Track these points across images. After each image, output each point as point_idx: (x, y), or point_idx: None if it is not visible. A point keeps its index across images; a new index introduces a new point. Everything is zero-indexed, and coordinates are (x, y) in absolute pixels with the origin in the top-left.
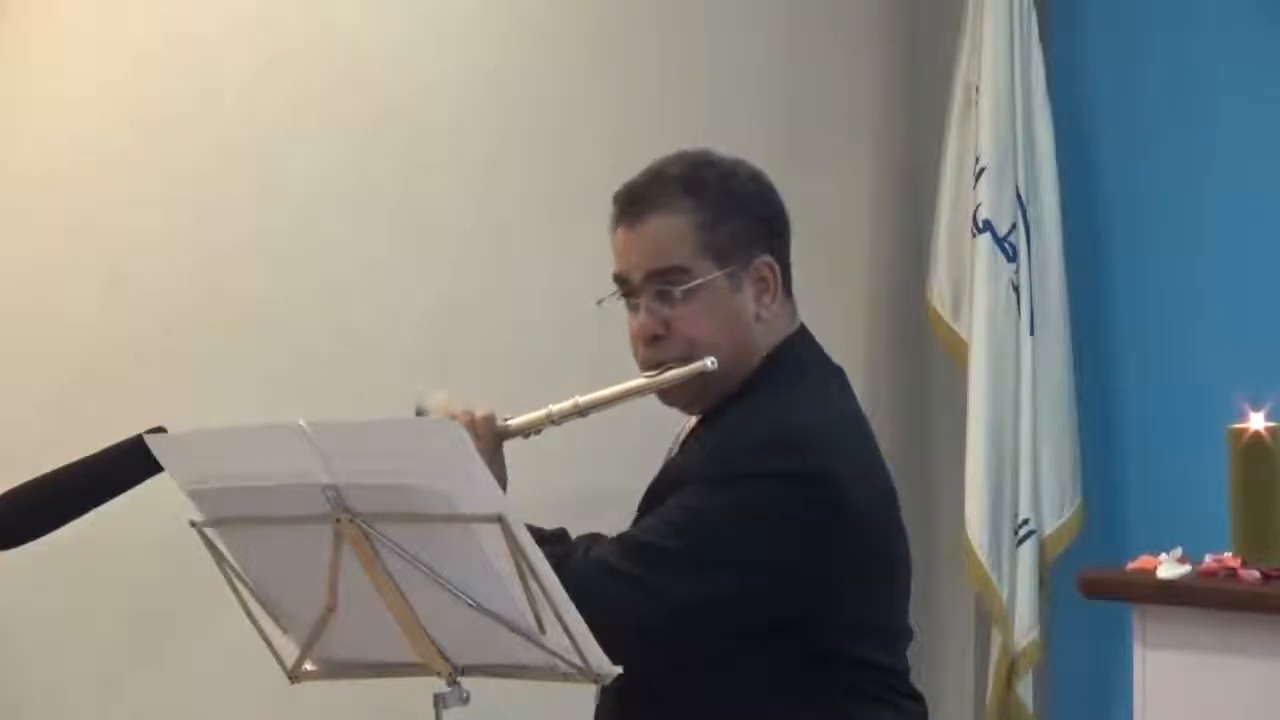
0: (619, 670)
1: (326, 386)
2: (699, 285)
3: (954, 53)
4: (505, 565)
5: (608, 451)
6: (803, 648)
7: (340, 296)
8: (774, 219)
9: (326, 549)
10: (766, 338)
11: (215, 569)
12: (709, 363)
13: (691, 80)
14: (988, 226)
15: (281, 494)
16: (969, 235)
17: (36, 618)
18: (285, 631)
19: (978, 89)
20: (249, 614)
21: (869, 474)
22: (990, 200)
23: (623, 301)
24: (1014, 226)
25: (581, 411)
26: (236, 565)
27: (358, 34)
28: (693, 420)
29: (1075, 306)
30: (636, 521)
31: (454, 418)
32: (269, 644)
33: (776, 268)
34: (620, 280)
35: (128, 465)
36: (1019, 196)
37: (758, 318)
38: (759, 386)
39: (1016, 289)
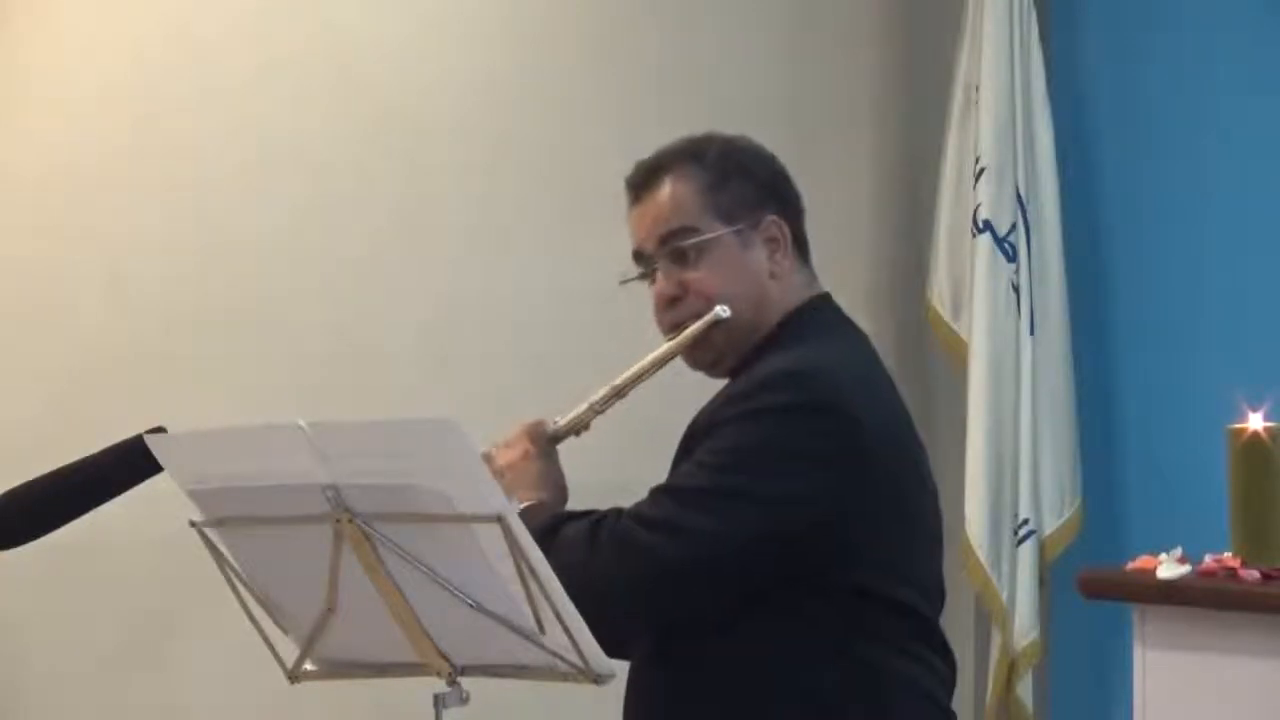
0: (617, 670)
1: (326, 386)
2: (708, 241)
3: (954, 53)
4: (505, 565)
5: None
6: (830, 587)
7: (340, 296)
8: (778, 182)
9: (326, 549)
10: (785, 296)
11: (215, 569)
12: (720, 310)
13: (691, 80)
14: (988, 226)
15: (281, 494)
16: (969, 235)
17: (36, 618)
18: (285, 631)
19: (978, 89)
20: (249, 614)
21: (889, 418)
22: (990, 200)
23: (630, 291)
24: (1014, 226)
25: (620, 392)
26: (236, 565)
27: (358, 34)
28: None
29: (1075, 306)
30: (672, 472)
31: (509, 439)
32: (269, 644)
33: (785, 225)
34: (638, 256)
35: (128, 465)
36: (1019, 196)
37: (772, 275)
38: (780, 340)
39: (1016, 289)
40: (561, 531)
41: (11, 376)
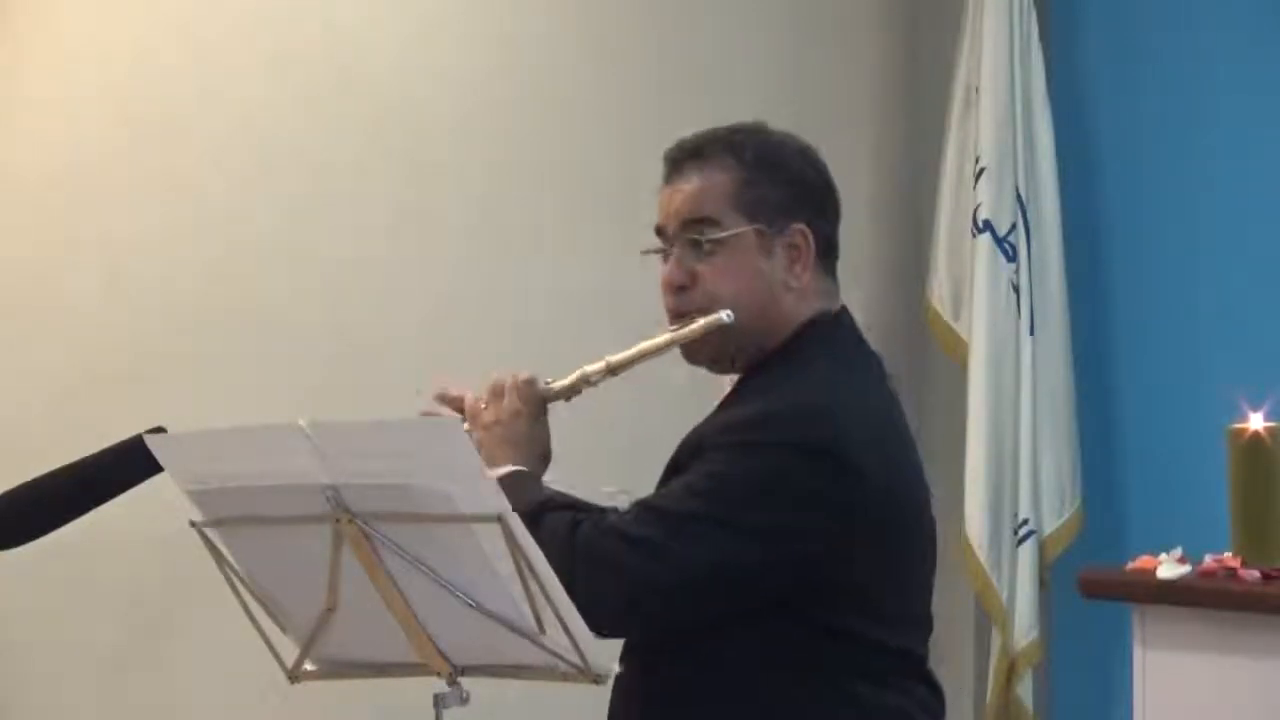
0: (618, 670)
1: (326, 386)
2: (726, 238)
3: (954, 53)
4: (505, 565)
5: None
6: (809, 622)
7: (340, 296)
8: (815, 191)
9: (326, 549)
10: (798, 308)
11: (215, 569)
12: (725, 315)
13: (692, 80)
14: (988, 226)
15: (281, 494)
16: (969, 235)
17: (36, 618)
18: (285, 631)
19: (978, 89)
20: (249, 614)
21: (891, 457)
22: (990, 200)
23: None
24: (1014, 226)
25: (614, 370)
26: (236, 565)
27: (358, 34)
28: (727, 385)
29: (1075, 306)
30: (660, 487)
31: (495, 383)
32: (269, 644)
33: (810, 237)
34: (658, 233)
35: (128, 465)
36: (1019, 196)
37: (787, 286)
38: (790, 356)
39: (1016, 289)
40: (542, 523)
41: (11, 376)
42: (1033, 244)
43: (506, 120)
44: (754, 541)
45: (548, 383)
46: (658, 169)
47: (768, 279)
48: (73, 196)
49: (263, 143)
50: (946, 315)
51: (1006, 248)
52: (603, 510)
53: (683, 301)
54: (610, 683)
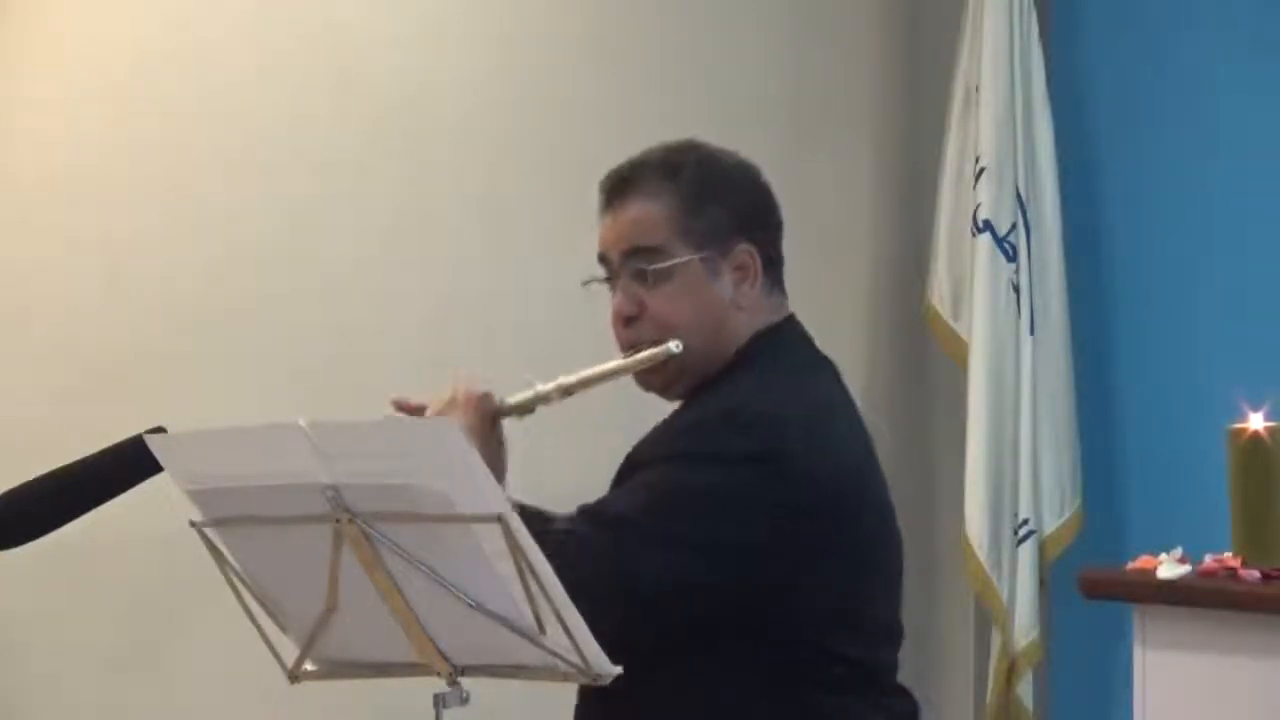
0: (619, 670)
1: (326, 386)
2: (672, 266)
3: (954, 53)
4: (505, 565)
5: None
6: (769, 637)
7: (340, 296)
8: (757, 207)
9: (326, 549)
10: (746, 326)
11: (215, 569)
12: (673, 346)
13: (692, 80)
14: (988, 226)
15: (281, 494)
16: (969, 235)
17: (36, 618)
18: (285, 631)
19: (978, 89)
20: (249, 614)
21: (841, 461)
22: (990, 200)
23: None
24: (1014, 226)
25: (568, 391)
26: (236, 565)
27: (358, 34)
28: (673, 408)
29: (1075, 306)
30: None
31: (452, 395)
32: (269, 644)
33: (757, 256)
34: (602, 261)
35: (128, 465)
36: (1019, 196)
37: (736, 306)
38: (734, 372)
39: (1016, 289)
40: None
41: (11, 376)
42: (1033, 244)
43: (506, 120)
44: (697, 555)
45: (502, 399)
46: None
47: (716, 302)
48: (73, 196)
49: (263, 143)
50: (946, 315)
51: (1006, 248)
52: (548, 519)
53: (633, 333)
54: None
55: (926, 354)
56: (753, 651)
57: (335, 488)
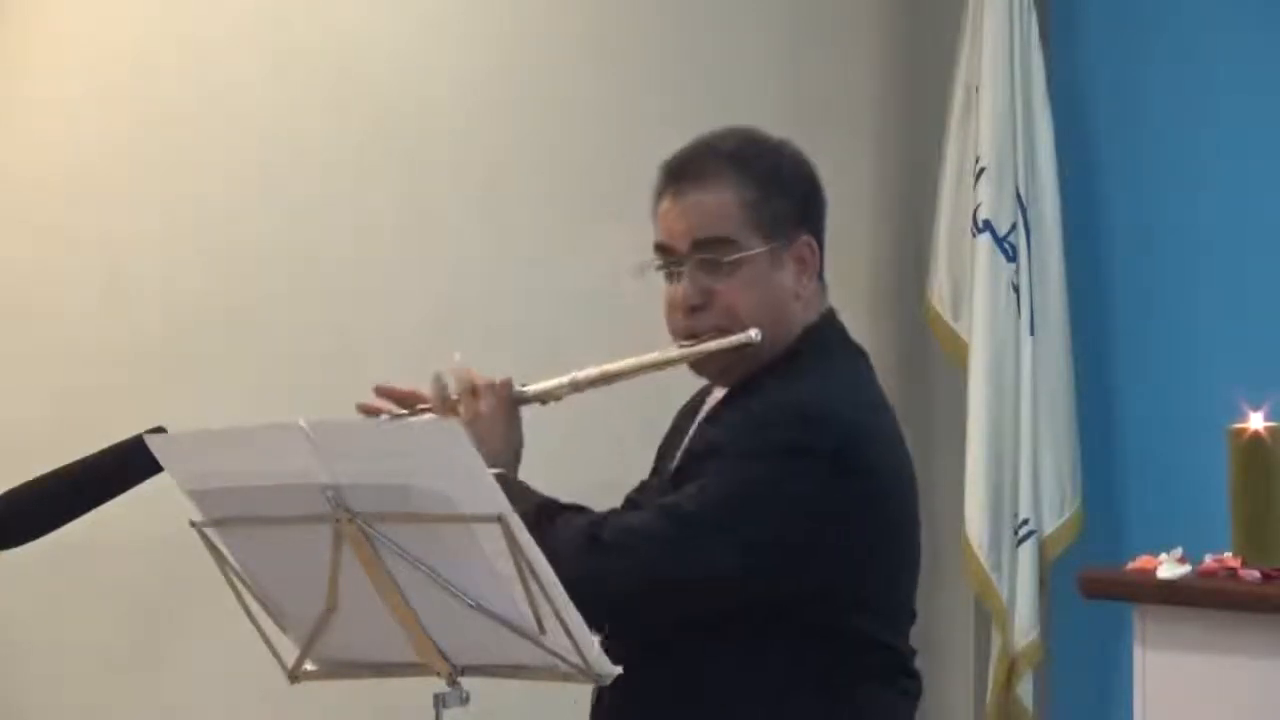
0: (618, 670)
1: (326, 386)
2: (744, 258)
3: (954, 53)
4: (505, 565)
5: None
6: (814, 623)
7: (340, 296)
8: (815, 200)
9: (326, 549)
10: (802, 316)
11: (215, 569)
12: (753, 334)
13: (692, 80)
14: (988, 226)
15: (282, 494)
16: (969, 235)
17: (36, 618)
18: (285, 631)
19: (978, 89)
20: (249, 614)
21: (892, 456)
22: (990, 200)
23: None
24: (1014, 226)
25: (610, 379)
26: (236, 565)
27: (358, 34)
28: (719, 392)
29: (1075, 306)
30: (673, 486)
31: (472, 382)
32: (269, 644)
33: (816, 247)
34: (662, 249)
35: (128, 465)
36: (1019, 196)
37: (796, 295)
38: (792, 363)
39: (1016, 289)
40: (555, 524)
41: (11, 376)
42: (1033, 244)
43: (506, 120)
44: (766, 545)
45: (523, 385)
46: (658, 169)
47: (780, 293)
48: (73, 196)
49: (263, 143)
50: (946, 315)
51: (1006, 248)
52: (608, 512)
53: (698, 321)
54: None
55: (926, 354)
56: (797, 639)
57: (335, 488)
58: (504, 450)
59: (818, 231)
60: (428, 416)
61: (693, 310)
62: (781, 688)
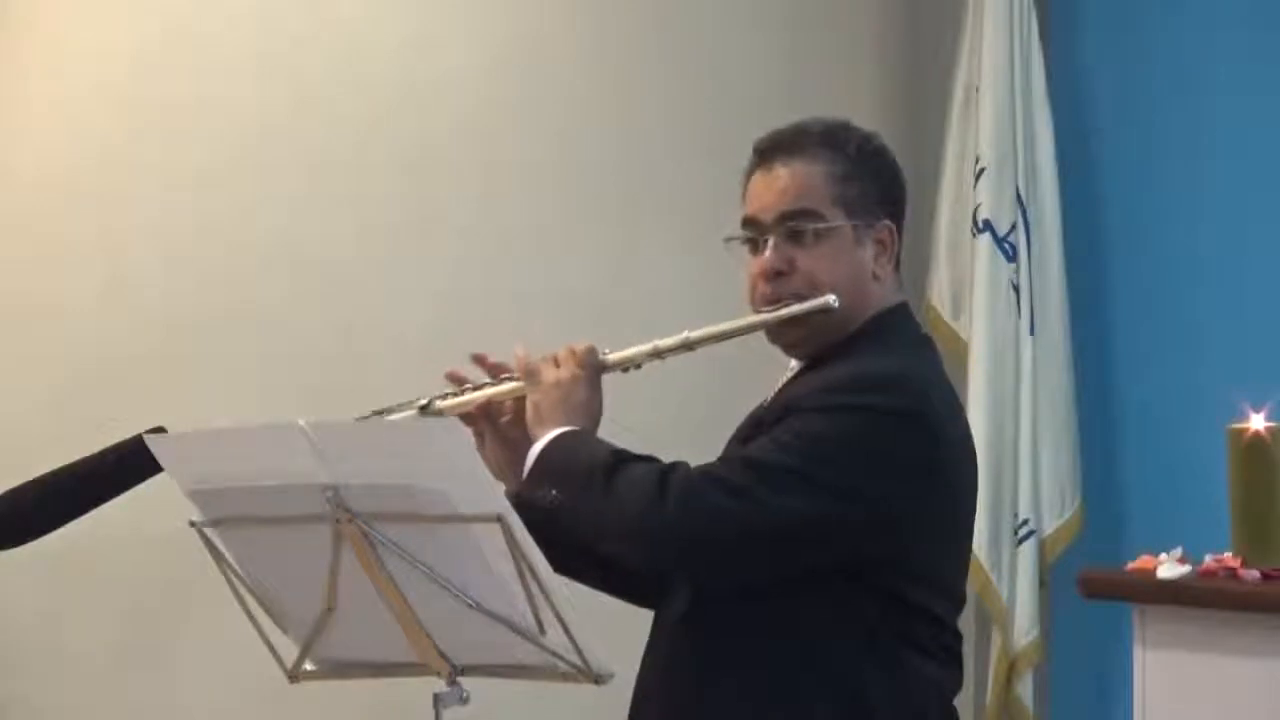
0: (616, 671)
1: (327, 386)
2: (829, 229)
3: (954, 53)
4: (505, 565)
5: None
6: (878, 588)
7: (340, 296)
8: (898, 190)
9: (326, 549)
10: (878, 297)
11: (215, 569)
12: (831, 299)
13: (691, 80)
14: (988, 226)
15: (281, 494)
16: (969, 235)
17: (36, 618)
18: (285, 631)
19: (978, 89)
20: (249, 614)
21: (963, 438)
22: (990, 200)
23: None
24: (1014, 226)
25: (691, 345)
26: (236, 565)
27: (358, 34)
28: (793, 367)
29: (1075, 306)
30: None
31: (554, 354)
32: (269, 644)
33: (895, 234)
34: (750, 222)
35: (128, 465)
36: (1019, 196)
37: (874, 276)
38: (865, 342)
39: (1016, 289)
40: (627, 469)
41: (12, 376)
42: (1033, 244)
43: (506, 120)
44: (842, 499)
45: (606, 353)
46: (657, 168)
47: (860, 269)
48: (72, 196)
49: (263, 143)
50: (946, 315)
51: (1006, 248)
52: (675, 463)
53: (779, 287)
54: (609, 683)
55: None
56: (862, 602)
57: (335, 488)
58: (584, 416)
59: (899, 221)
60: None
61: (776, 276)
62: (829, 647)
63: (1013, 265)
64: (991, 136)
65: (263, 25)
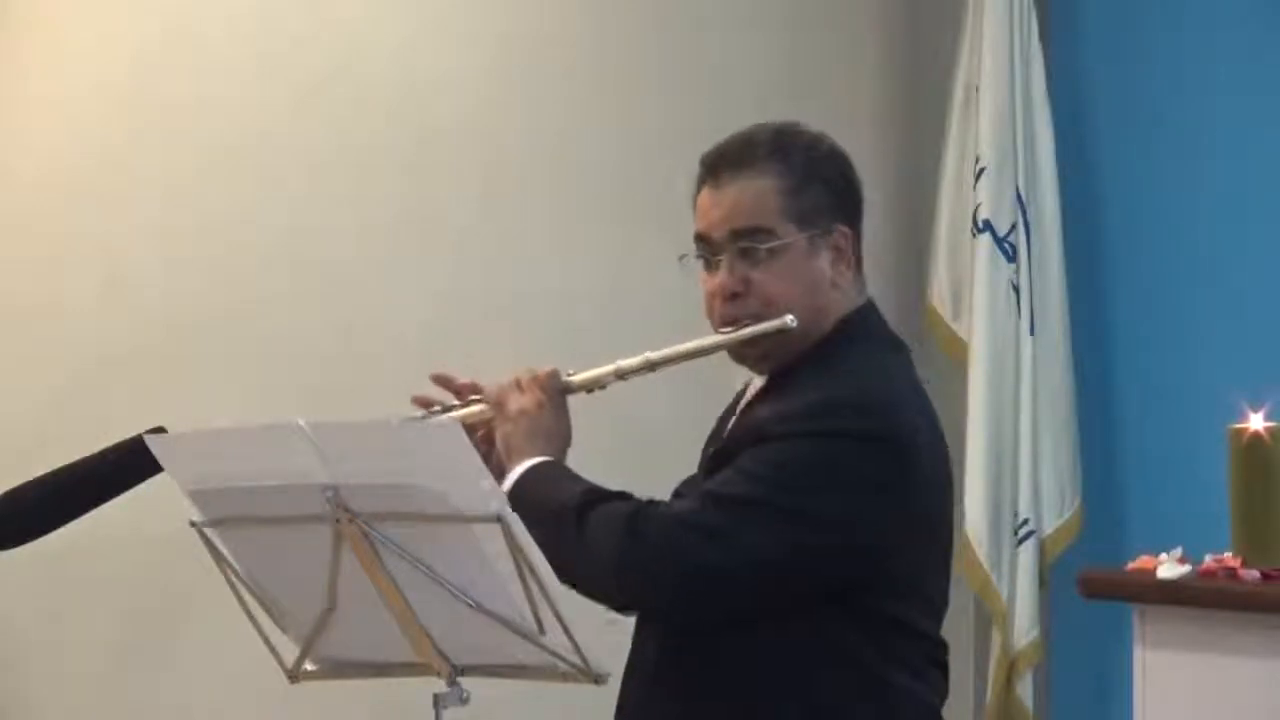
0: (611, 672)
1: (327, 386)
2: (782, 246)
3: (954, 53)
4: (505, 565)
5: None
6: (861, 611)
7: (340, 296)
8: (851, 191)
9: (326, 549)
10: (839, 304)
11: (215, 569)
12: (789, 319)
13: (691, 80)
14: (988, 226)
15: (281, 494)
16: (969, 235)
17: (36, 618)
18: (285, 631)
19: (978, 89)
20: (249, 614)
21: (934, 443)
22: (990, 200)
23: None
24: (1014, 226)
25: (653, 366)
26: (236, 565)
27: (358, 34)
28: (758, 381)
29: (1075, 306)
30: (707, 477)
31: (516, 377)
32: (269, 644)
33: (851, 237)
34: (701, 239)
35: (128, 465)
36: (1019, 196)
37: (833, 284)
38: (833, 351)
39: (1016, 289)
40: (599, 508)
41: (11, 376)
42: (1033, 244)
43: (506, 120)
44: (817, 529)
45: (569, 374)
46: (657, 168)
47: (817, 281)
48: (72, 196)
49: (263, 143)
50: (946, 315)
51: (1006, 248)
52: (650, 500)
53: (737, 308)
54: (608, 683)
55: (926, 354)
56: (847, 626)
57: (335, 488)
58: (553, 440)
59: (854, 222)
60: (440, 416)
61: (732, 298)
62: (814, 672)
63: (1013, 265)
64: (991, 136)
65: (263, 25)
